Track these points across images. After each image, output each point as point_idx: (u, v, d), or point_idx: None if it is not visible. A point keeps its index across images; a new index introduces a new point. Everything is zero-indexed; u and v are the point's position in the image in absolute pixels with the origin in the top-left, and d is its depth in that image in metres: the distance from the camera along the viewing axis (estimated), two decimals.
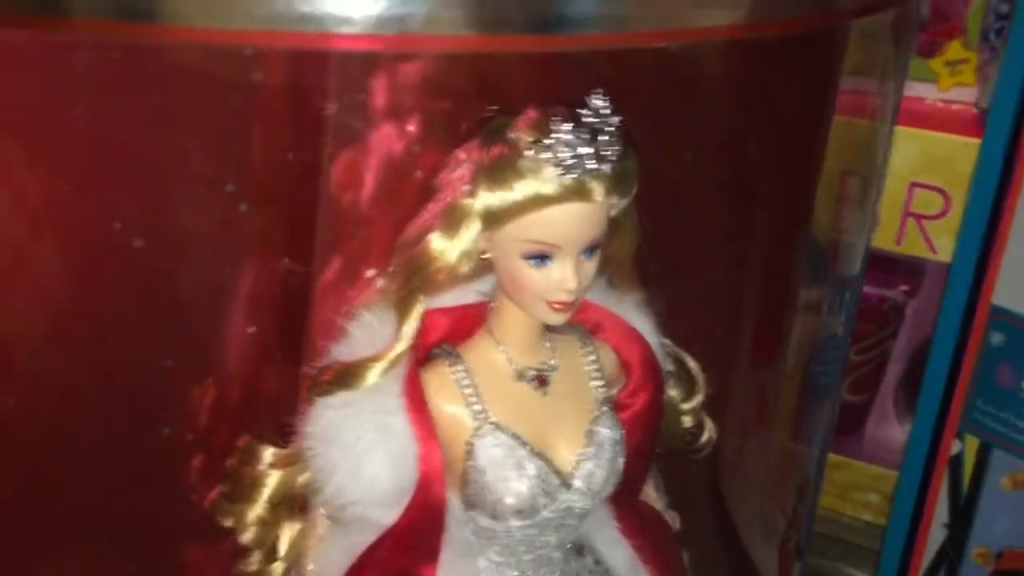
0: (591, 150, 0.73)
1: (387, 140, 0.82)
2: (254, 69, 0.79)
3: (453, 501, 0.82)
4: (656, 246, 1.00)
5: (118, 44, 0.75)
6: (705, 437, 1.00)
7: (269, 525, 0.85)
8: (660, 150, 0.97)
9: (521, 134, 0.75)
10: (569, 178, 0.73)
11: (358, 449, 0.78)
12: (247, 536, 0.85)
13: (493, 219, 0.75)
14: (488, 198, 0.75)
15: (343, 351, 0.81)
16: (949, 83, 1.53)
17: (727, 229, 1.06)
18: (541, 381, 0.83)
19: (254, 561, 0.87)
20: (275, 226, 0.84)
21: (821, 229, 1.18)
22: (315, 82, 0.81)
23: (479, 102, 0.81)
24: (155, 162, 0.78)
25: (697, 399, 0.98)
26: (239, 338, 0.85)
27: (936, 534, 1.46)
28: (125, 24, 0.74)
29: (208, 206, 0.81)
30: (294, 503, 0.85)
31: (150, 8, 0.74)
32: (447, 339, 0.84)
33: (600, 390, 0.86)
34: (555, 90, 0.79)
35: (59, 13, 0.73)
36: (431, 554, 0.82)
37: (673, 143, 0.99)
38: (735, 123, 1.02)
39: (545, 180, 0.73)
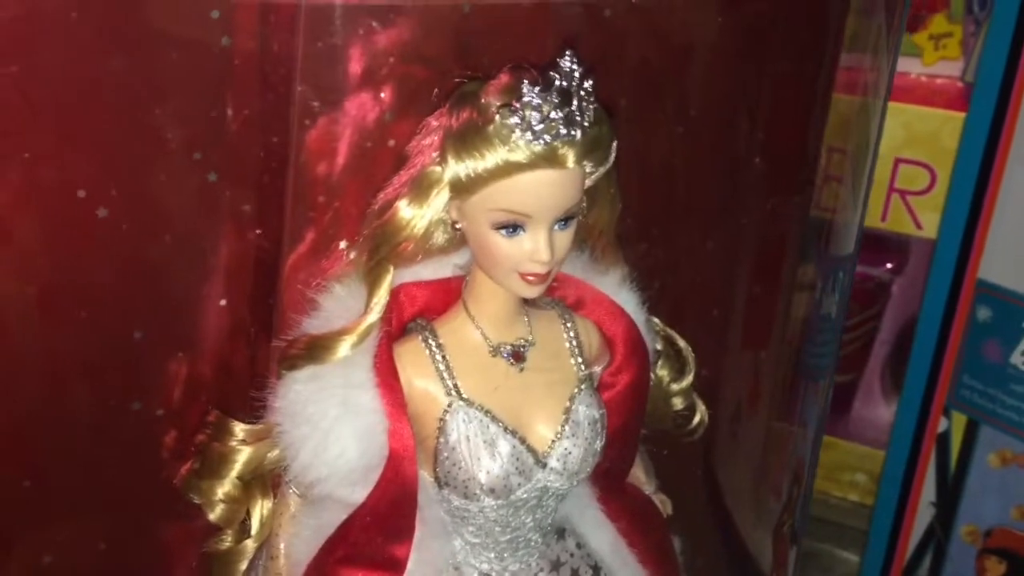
0: (562, 114, 0.71)
1: (360, 108, 0.81)
2: (221, 33, 0.77)
3: (426, 479, 0.80)
4: (646, 223, 0.99)
5: (82, 4, 0.73)
6: (697, 419, 0.98)
7: (238, 502, 0.83)
8: (650, 123, 0.96)
9: (491, 99, 0.72)
10: (539, 144, 0.71)
11: (324, 424, 0.76)
12: (215, 513, 0.83)
13: (462, 187, 0.73)
14: (456, 165, 0.73)
15: (314, 324, 0.79)
16: (933, 57, 1.52)
17: (719, 206, 1.05)
18: (517, 356, 0.81)
19: (226, 539, 0.85)
20: (245, 196, 0.82)
21: (814, 207, 1.17)
22: (284, 47, 0.79)
23: (456, 68, 0.80)
24: (120, 129, 0.76)
25: (687, 379, 0.96)
26: (210, 311, 0.83)
27: (924, 513, 1.46)
28: None
29: (175, 175, 0.78)
30: (265, 480, 0.84)
31: None
32: (423, 313, 0.82)
33: (580, 367, 0.84)
34: (539, 57, 0.77)
35: None
36: (404, 533, 0.80)
37: (663, 116, 0.97)
38: (727, 96, 1.01)
39: (514, 146, 0.71)
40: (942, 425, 1.41)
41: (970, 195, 1.30)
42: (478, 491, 0.78)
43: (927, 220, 1.51)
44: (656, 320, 0.93)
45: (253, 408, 0.81)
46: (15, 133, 0.74)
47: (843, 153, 1.19)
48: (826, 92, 1.11)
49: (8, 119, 0.74)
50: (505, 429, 0.79)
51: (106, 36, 0.74)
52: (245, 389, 0.83)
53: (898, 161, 1.50)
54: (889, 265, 1.69)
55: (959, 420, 1.39)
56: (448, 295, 0.82)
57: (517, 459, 0.79)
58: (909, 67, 1.53)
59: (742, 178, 1.05)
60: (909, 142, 1.49)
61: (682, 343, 0.96)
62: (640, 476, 0.97)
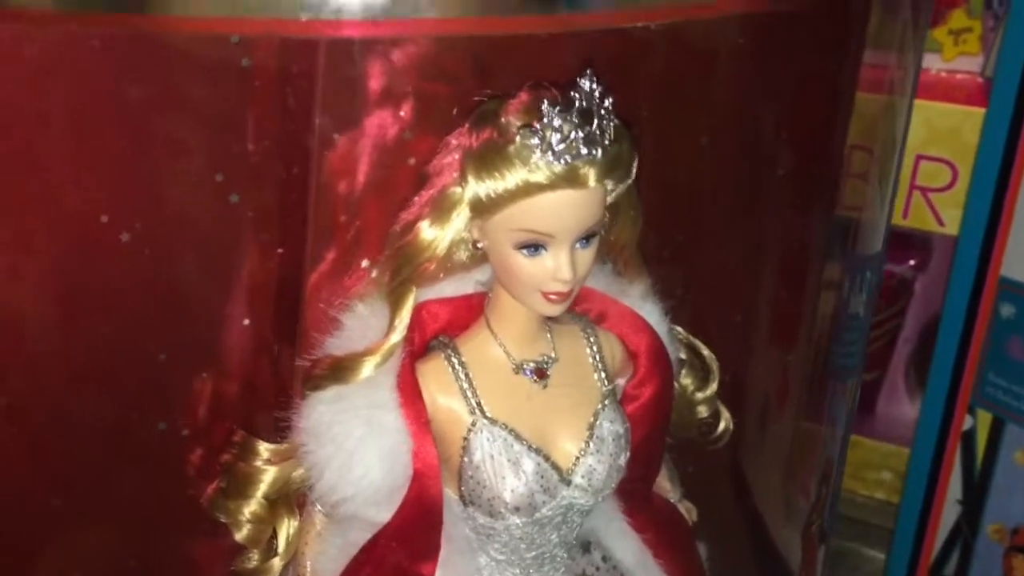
0: (582, 134, 0.71)
1: (380, 127, 0.81)
2: (242, 55, 0.77)
3: (451, 497, 0.81)
4: (671, 229, 0.99)
5: (104, 34, 0.73)
6: (722, 427, 0.98)
7: (264, 522, 0.83)
8: (674, 130, 0.96)
9: (511, 118, 0.72)
10: (560, 164, 0.71)
11: (349, 445, 0.76)
12: (242, 533, 0.83)
13: (482, 207, 0.73)
14: (477, 185, 0.73)
15: (337, 343, 0.79)
16: (953, 52, 1.50)
17: (745, 209, 1.04)
18: (540, 374, 0.81)
19: (253, 558, 0.85)
20: (267, 217, 0.82)
21: (840, 207, 1.16)
22: (305, 68, 0.79)
23: (475, 86, 0.80)
24: (142, 153, 0.76)
25: (712, 388, 0.96)
26: (234, 331, 0.84)
27: (950, 511, 1.45)
28: (112, 14, 0.73)
29: (197, 197, 0.79)
30: (291, 500, 0.84)
31: None
32: (446, 331, 0.82)
33: (603, 382, 0.83)
34: (558, 74, 0.76)
35: (43, 5, 0.72)
36: (430, 552, 0.80)
37: (687, 122, 0.97)
38: (751, 101, 1.00)
39: (535, 167, 0.71)
40: (967, 423, 1.40)
41: (991, 192, 1.29)
42: (503, 509, 0.78)
43: (949, 217, 1.50)
44: (679, 329, 0.93)
45: (278, 427, 0.82)
46: (39, 160, 0.75)
47: (869, 152, 1.18)
48: (850, 92, 1.11)
49: (32, 146, 0.74)
50: (529, 447, 0.79)
51: (127, 62, 0.74)
52: (270, 408, 0.84)
53: (919, 158, 1.49)
54: (912, 262, 1.68)
55: (984, 418, 1.38)
56: (470, 312, 0.82)
57: (542, 477, 0.79)
58: (929, 63, 1.51)
59: (766, 182, 1.05)
60: (930, 139, 1.48)
61: (706, 352, 0.96)
62: (665, 485, 0.97)
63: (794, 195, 1.07)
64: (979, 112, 1.38)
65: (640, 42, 0.88)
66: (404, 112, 0.80)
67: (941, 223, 1.51)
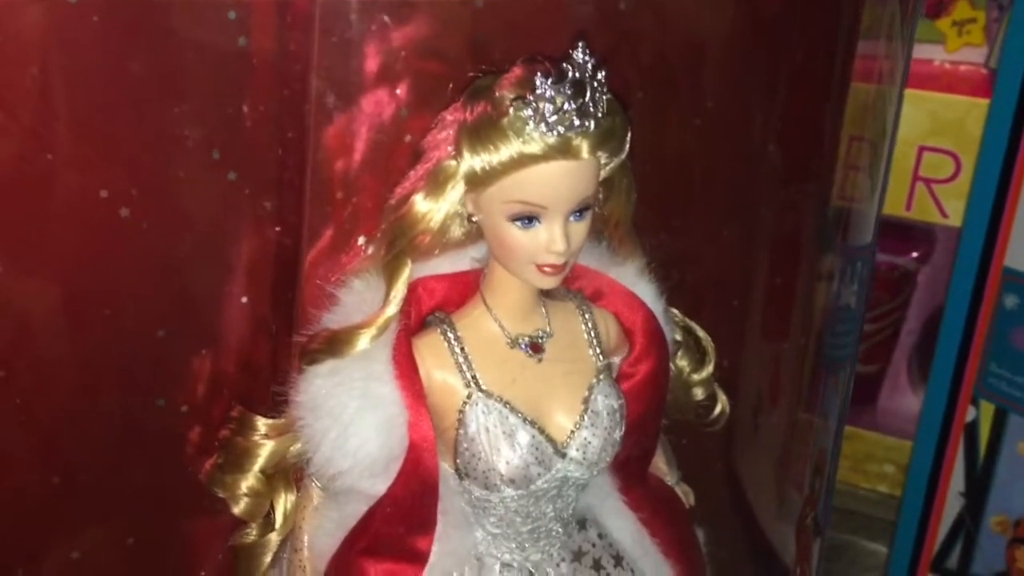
0: (575, 106, 0.71)
1: (376, 104, 0.81)
2: (239, 34, 0.78)
3: (447, 471, 0.81)
4: (666, 214, 0.99)
5: (102, 9, 0.74)
6: (718, 410, 0.98)
7: (262, 496, 0.84)
8: (667, 115, 0.96)
9: (505, 92, 0.73)
10: (553, 136, 0.72)
11: (345, 417, 0.77)
12: (240, 507, 0.84)
13: (477, 180, 0.74)
14: (471, 158, 0.73)
15: (334, 319, 0.80)
16: (957, 43, 1.50)
17: (737, 196, 1.05)
18: (535, 348, 0.82)
19: (251, 533, 0.86)
20: (264, 194, 0.83)
21: (832, 197, 1.16)
22: (301, 46, 0.80)
23: (470, 63, 0.81)
24: (140, 130, 0.77)
25: (707, 369, 0.96)
26: (232, 308, 0.84)
27: (953, 503, 1.45)
28: None
29: (195, 174, 0.80)
30: (288, 474, 0.85)
31: None
32: (442, 306, 0.83)
33: (598, 357, 0.84)
34: (550, 50, 0.77)
35: None
36: (426, 525, 0.81)
37: (680, 108, 0.97)
38: (744, 87, 1.00)
39: (528, 138, 0.72)
40: (970, 414, 1.40)
41: (995, 182, 1.29)
42: (498, 481, 0.79)
43: (952, 208, 1.50)
44: (675, 311, 0.94)
45: (275, 403, 0.83)
46: (38, 135, 0.75)
47: (860, 142, 1.18)
48: (843, 81, 1.11)
49: (30, 121, 0.75)
50: (524, 420, 0.79)
51: (125, 38, 0.75)
52: (268, 384, 0.84)
53: (922, 149, 1.49)
54: (915, 254, 1.68)
55: (987, 409, 1.38)
56: (466, 288, 0.83)
57: (536, 449, 0.79)
58: (933, 54, 1.51)
59: (760, 168, 1.05)
60: (933, 130, 1.48)
61: (702, 333, 0.96)
62: (662, 467, 0.97)
63: (786, 181, 1.08)
64: (983, 103, 1.39)
65: (633, 22, 0.88)
66: (400, 90, 0.81)
67: (944, 214, 1.51)
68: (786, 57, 1.03)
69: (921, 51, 1.49)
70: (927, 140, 1.48)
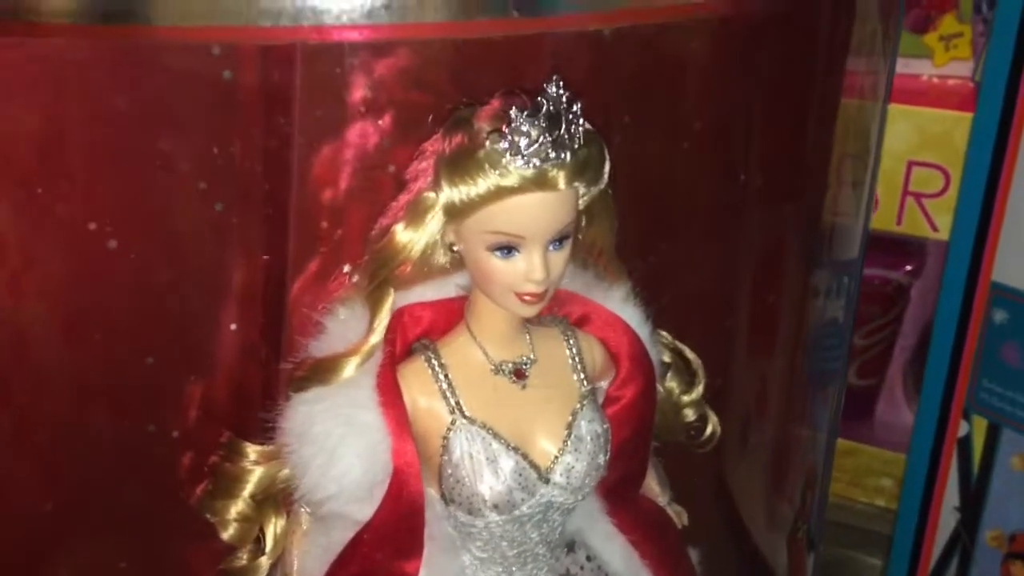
0: (551, 138, 0.72)
1: (361, 135, 0.83)
2: (223, 67, 0.79)
3: (433, 496, 0.82)
4: (654, 236, 1.00)
5: (89, 46, 0.76)
6: (709, 430, 0.99)
7: (251, 521, 0.85)
8: (654, 138, 0.97)
9: (482, 124, 0.74)
10: (529, 168, 0.73)
11: (330, 443, 0.78)
12: (229, 532, 0.85)
13: (455, 211, 0.75)
14: (450, 190, 0.74)
15: (320, 347, 0.81)
16: (944, 58, 1.51)
17: (725, 217, 1.05)
18: (518, 374, 0.83)
19: (241, 557, 0.87)
20: (251, 224, 0.84)
21: (818, 213, 1.17)
22: (286, 79, 0.81)
23: (454, 94, 0.82)
24: (126, 162, 0.79)
25: (697, 391, 0.97)
26: (222, 335, 0.85)
27: (948, 518, 1.45)
28: (94, 26, 0.75)
29: (182, 205, 0.81)
30: (277, 499, 0.85)
31: (121, 9, 0.75)
32: (427, 333, 0.84)
33: (582, 383, 0.85)
34: (538, 83, 0.78)
35: (28, 17, 0.74)
36: (413, 550, 0.82)
37: (667, 131, 0.98)
38: (730, 110, 1.01)
39: (504, 171, 0.73)
40: (963, 429, 1.40)
41: (981, 197, 1.29)
42: (482, 507, 0.80)
43: (943, 222, 1.50)
44: (664, 333, 0.94)
45: (265, 429, 0.84)
46: (29, 170, 0.77)
47: (845, 157, 1.19)
48: (831, 99, 1.12)
49: (19, 156, 0.77)
50: (508, 446, 0.80)
51: (110, 74, 0.77)
52: (257, 411, 0.85)
53: (912, 164, 1.50)
54: (907, 268, 1.68)
55: (980, 424, 1.38)
56: (451, 315, 0.84)
57: (520, 475, 0.80)
58: (920, 69, 1.52)
59: (748, 189, 1.06)
60: (922, 144, 1.48)
61: (691, 355, 0.97)
62: (654, 487, 0.98)
63: (777, 202, 1.08)
64: (970, 117, 1.38)
65: (619, 46, 0.89)
66: (384, 121, 0.83)
67: (935, 228, 1.52)
68: (773, 77, 1.04)
69: (909, 66, 1.50)
70: (916, 155, 1.49)
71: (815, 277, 1.18)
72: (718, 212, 1.05)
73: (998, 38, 1.24)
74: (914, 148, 1.49)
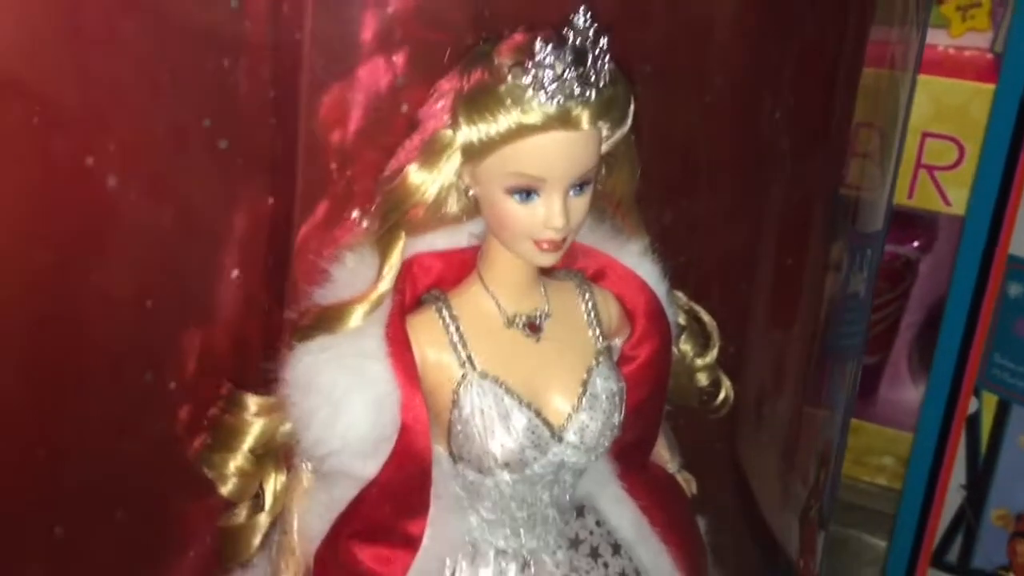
0: (575, 73, 0.69)
1: (372, 73, 0.79)
2: None
3: (441, 454, 0.79)
4: (674, 195, 0.97)
5: None
6: (722, 396, 0.97)
7: (250, 476, 0.82)
8: (676, 93, 0.94)
9: (503, 59, 0.71)
10: (552, 105, 0.69)
11: (335, 395, 0.75)
12: (227, 487, 0.82)
13: (474, 151, 0.72)
14: (468, 128, 0.71)
15: (326, 295, 0.78)
16: (961, 28, 1.48)
17: (746, 179, 1.02)
18: (532, 327, 0.79)
19: (240, 513, 0.84)
20: (257, 164, 0.80)
21: (842, 180, 1.14)
22: (295, 10, 0.77)
23: (471, 31, 0.78)
24: (127, 95, 0.75)
25: (712, 354, 0.94)
26: (223, 282, 0.82)
27: (953, 496, 1.43)
28: None
29: (185, 142, 0.77)
30: (277, 455, 0.82)
31: None
32: (438, 284, 0.81)
33: (598, 339, 0.82)
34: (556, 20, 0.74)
35: None
36: (418, 509, 0.79)
37: (689, 83, 0.95)
38: (755, 66, 0.98)
39: (527, 107, 0.69)
40: (972, 406, 1.38)
41: (1001, 168, 1.26)
42: (492, 465, 0.77)
43: (955, 196, 1.48)
44: (680, 294, 0.92)
45: (266, 381, 0.80)
46: (24, 98, 0.73)
47: (871, 128, 1.16)
48: (854, 61, 1.09)
49: (17, 83, 0.73)
50: (520, 402, 0.77)
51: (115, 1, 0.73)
52: (259, 361, 0.82)
53: (925, 135, 1.47)
54: (916, 243, 1.66)
55: (989, 400, 1.36)
56: (463, 265, 0.81)
57: (532, 433, 0.77)
58: (937, 39, 1.49)
59: (769, 149, 1.03)
60: (937, 116, 1.46)
61: (706, 317, 0.94)
62: (664, 454, 0.95)
63: (798, 163, 1.06)
64: (988, 88, 1.36)
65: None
66: (397, 58, 0.79)
67: (947, 203, 1.49)
68: (798, 36, 1.01)
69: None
70: (930, 126, 1.46)
71: (836, 246, 1.15)
72: (739, 171, 1.02)
73: (1022, 8, 1.22)
74: (928, 119, 1.46)
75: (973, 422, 1.39)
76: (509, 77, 0.70)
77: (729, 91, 0.97)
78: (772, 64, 1.00)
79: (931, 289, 1.66)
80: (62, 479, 0.81)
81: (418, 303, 0.80)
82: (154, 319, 0.80)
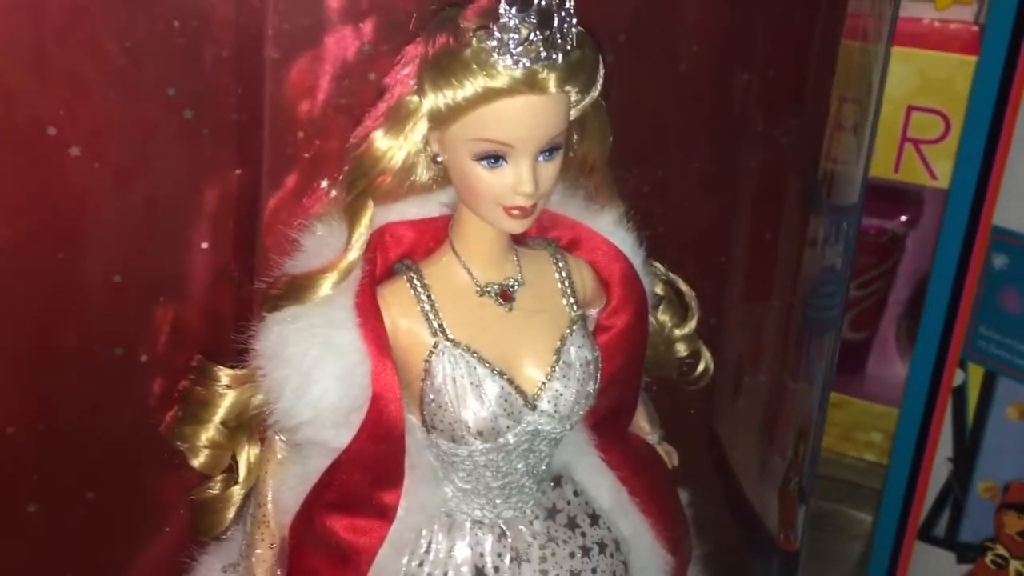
0: (541, 36, 0.68)
1: (338, 42, 0.78)
2: None
3: (414, 424, 0.78)
4: (648, 163, 0.96)
5: None
6: (701, 367, 0.96)
7: (222, 448, 0.81)
8: (651, 58, 0.93)
9: (469, 23, 0.70)
10: (519, 68, 0.68)
11: (305, 365, 0.74)
12: (199, 460, 0.81)
13: (440, 117, 0.71)
14: (434, 94, 0.70)
15: (296, 265, 0.77)
16: (947, 1, 1.47)
17: (722, 148, 1.02)
18: (505, 296, 0.78)
19: (213, 486, 0.83)
20: (224, 135, 0.80)
21: (819, 152, 1.13)
22: None
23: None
24: (90, 63, 0.74)
25: (690, 325, 0.93)
26: (192, 254, 0.82)
27: (940, 469, 1.42)
28: None
29: (149, 112, 0.76)
30: (250, 427, 0.82)
31: None
32: (409, 254, 0.80)
33: (572, 307, 0.81)
34: None
35: None
36: (392, 479, 0.78)
37: (664, 51, 0.94)
38: (730, 34, 0.97)
39: (493, 71, 0.68)
40: (958, 378, 1.37)
41: (984, 140, 1.25)
42: (465, 434, 0.76)
43: (941, 170, 1.47)
44: (658, 264, 0.91)
45: (237, 352, 0.80)
46: None
47: (846, 100, 1.15)
48: (832, 31, 1.08)
49: None
50: (493, 370, 0.77)
51: None
52: (230, 333, 0.82)
53: (911, 109, 1.46)
54: (903, 218, 1.65)
55: (976, 372, 1.36)
56: (435, 234, 0.80)
57: (505, 401, 0.77)
58: (922, 12, 1.48)
59: (746, 119, 1.02)
60: (922, 89, 1.45)
61: (684, 287, 0.94)
62: (644, 425, 0.95)
63: (775, 134, 1.05)
64: (973, 61, 1.35)
65: None
66: (364, 26, 0.78)
67: (934, 177, 1.48)
68: (774, 3, 1.00)
69: (910, 9, 1.46)
70: (916, 100, 1.46)
71: (813, 218, 1.15)
72: (716, 141, 1.01)
73: None
74: (914, 93, 1.45)
75: (959, 394, 1.38)
76: (474, 41, 0.69)
77: (706, 58, 0.96)
78: (749, 30, 0.99)
79: (918, 264, 1.65)
80: (34, 456, 0.81)
81: (390, 272, 0.79)
82: (123, 293, 0.79)
